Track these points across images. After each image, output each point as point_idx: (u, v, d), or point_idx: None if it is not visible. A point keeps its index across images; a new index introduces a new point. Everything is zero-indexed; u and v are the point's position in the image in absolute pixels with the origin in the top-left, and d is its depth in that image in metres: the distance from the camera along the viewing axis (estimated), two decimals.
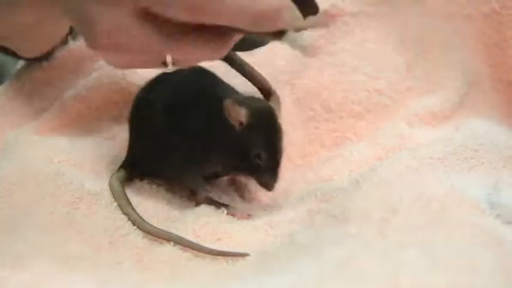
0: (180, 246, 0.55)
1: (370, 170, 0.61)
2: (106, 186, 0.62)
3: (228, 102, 0.61)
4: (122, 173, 0.64)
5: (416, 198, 0.49)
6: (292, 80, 0.74)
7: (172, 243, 0.56)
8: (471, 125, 0.68)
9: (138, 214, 0.59)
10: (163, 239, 0.56)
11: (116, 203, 0.60)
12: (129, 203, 0.60)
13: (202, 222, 0.58)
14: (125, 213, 0.59)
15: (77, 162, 0.65)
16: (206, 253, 0.54)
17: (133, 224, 0.58)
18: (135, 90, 0.69)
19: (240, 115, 0.61)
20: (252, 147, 0.62)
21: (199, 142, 0.63)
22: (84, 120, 0.74)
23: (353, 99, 0.74)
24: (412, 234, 0.44)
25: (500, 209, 0.50)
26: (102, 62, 0.75)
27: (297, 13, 0.47)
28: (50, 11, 0.65)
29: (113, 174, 0.64)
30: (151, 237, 0.57)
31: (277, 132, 0.64)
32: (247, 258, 0.53)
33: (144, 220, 0.58)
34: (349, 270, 0.41)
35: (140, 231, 0.57)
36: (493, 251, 0.43)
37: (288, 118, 0.70)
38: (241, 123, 0.62)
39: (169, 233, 0.57)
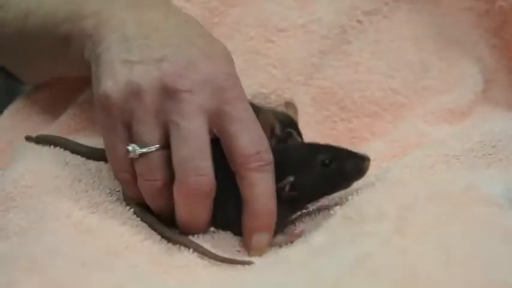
0: (197, 253, 0.55)
1: (386, 168, 0.61)
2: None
3: (265, 113, 0.61)
4: None
5: (433, 195, 0.48)
6: (307, 81, 0.74)
7: (187, 249, 0.55)
8: (488, 121, 0.68)
9: (155, 219, 0.58)
10: (180, 244, 0.56)
11: (132, 209, 0.59)
12: (146, 208, 0.59)
13: None
14: (141, 219, 0.58)
15: (94, 166, 0.65)
16: (210, 258, 0.54)
17: (151, 229, 0.57)
18: None
19: (275, 128, 0.62)
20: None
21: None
22: None
23: (369, 98, 0.73)
24: (429, 231, 0.44)
25: None
26: None
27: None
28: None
29: None
30: (168, 243, 0.56)
31: None
32: (264, 261, 0.53)
33: (162, 225, 0.58)
34: (366, 268, 0.41)
35: (157, 237, 0.57)
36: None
37: (304, 119, 0.69)
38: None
39: (183, 237, 0.56)
